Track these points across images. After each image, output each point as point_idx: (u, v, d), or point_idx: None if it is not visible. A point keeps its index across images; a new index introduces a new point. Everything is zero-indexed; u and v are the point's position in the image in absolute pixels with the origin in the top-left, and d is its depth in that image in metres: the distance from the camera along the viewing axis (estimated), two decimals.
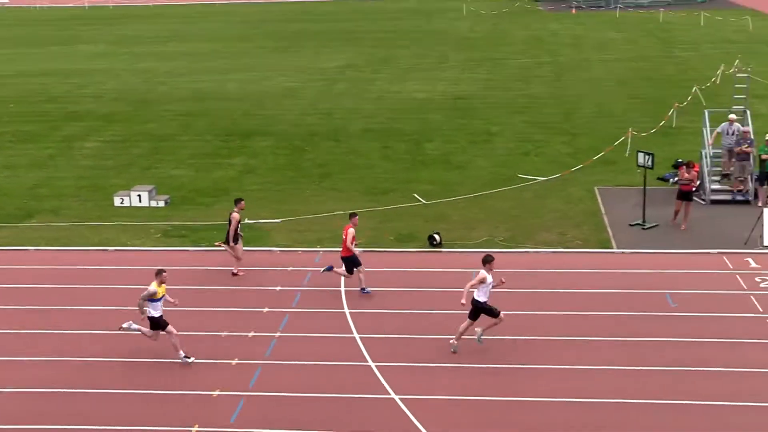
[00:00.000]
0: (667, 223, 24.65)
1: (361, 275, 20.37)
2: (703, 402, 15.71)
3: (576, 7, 78.91)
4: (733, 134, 26.92)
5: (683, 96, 38.24)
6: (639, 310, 19.42)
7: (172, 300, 17.59)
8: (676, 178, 25.09)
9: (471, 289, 17.17)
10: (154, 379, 16.86)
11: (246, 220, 25.41)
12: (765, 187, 25.88)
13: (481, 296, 17.19)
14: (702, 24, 66.27)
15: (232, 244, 21.36)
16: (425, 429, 15.01)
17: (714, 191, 26.82)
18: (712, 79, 41.76)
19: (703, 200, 26.58)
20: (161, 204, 27.16)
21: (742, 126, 26.95)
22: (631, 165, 27.98)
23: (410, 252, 23.28)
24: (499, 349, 17.79)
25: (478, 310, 17.31)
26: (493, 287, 17.29)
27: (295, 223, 25.39)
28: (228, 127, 37.34)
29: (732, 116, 27.28)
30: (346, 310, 19.71)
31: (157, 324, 17.05)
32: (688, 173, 24.33)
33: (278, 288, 20.93)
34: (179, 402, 16.07)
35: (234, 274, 21.74)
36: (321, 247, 23.38)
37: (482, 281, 17.07)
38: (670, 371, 16.82)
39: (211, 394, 16.25)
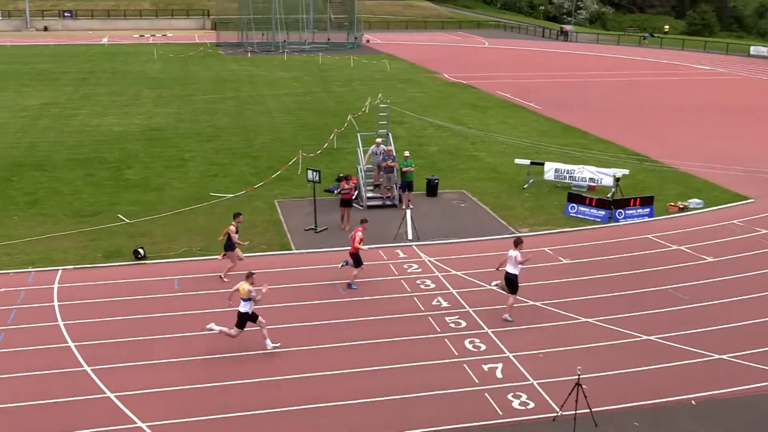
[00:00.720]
0: (335, 226, 25.44)
1: (354, 272, 20.51)
2: (383, 366, 16.46)
3: (251, 52, 79.24)
4: (380, 154, 28.37)
5: (341, 123, 39.74)
6: (315, 299, 19.87)
7: (260, 298, 17.02)
8: (339, 189, 25.95)
9: (516, 264, 18.32)
10: None
11: None
12: (407, 193, 27.45)
13: (514, 270, 18.30)
14: (352, 65, 69.13)
15: (228, 252, 20.87)
16: (139, 420, 14.38)
17: (369, 198, 28.06)
18: (362, 109, 43.75)
19: (362, 206, 27.72)
20: None
21: (386, 146, 28.45)
22: (303, 180, 28.61)
23: (118, 266, 22.15)
24: (199, 343, 17.46)
25: (511, 282, 18.39)
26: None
27: (6, 248, 23.23)
28: None
29: (378, 139, 28.74)
30: (60, 323, 18.34)
31: (248, 319, 16.75)
32: (348, 185, 25.30)
33: None
34: None
35: (221, 278, 20.95)
36: (33, 268, 21.59)
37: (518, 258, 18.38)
38: (349, 346, 17.38)
39: None
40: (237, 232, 21.01)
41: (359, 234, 20.51)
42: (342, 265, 20.76)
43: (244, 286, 16.73)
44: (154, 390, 15.48)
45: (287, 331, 18.02)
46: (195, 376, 16.07)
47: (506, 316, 18.69)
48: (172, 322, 18.52)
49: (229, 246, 20.89)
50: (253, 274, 17.15)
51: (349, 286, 20.59)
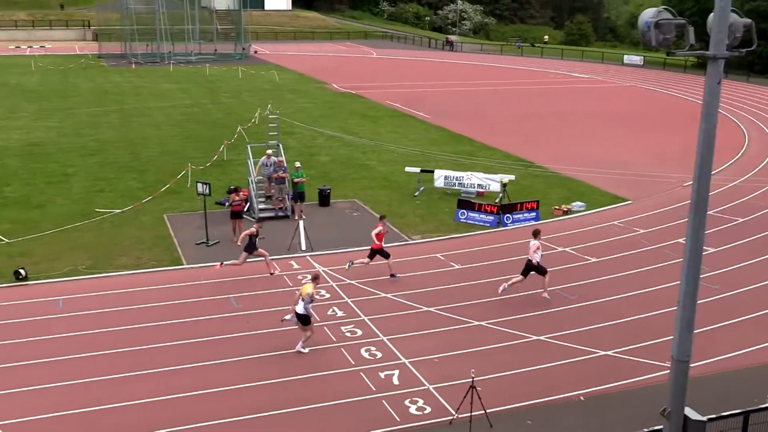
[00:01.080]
0: (226, 239, 24.97)
1: (390, 263, 21.84)
2: (279, 379, 16.25)
3: (135, 63, 77.14)
4: (271, 165, 28.11)
5: (230, 135, 39.17)
6: (211, 313, 19.45)
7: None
8: (230, 202, 25.55)
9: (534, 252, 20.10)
10: None
11: None
12: (299, 203, 27.33)
13: (537, 258, 20.03)
14: (240, 76, 68.29)
15: (247, 252, 21.74)
16: None
17: (261, 210, 27.75)
18: (252, 120, 43.26)
19: (254, 218, 27.39)
20: None
21: (277, 157, 28.24)
22: (193, 194, 28.04)
23: None
24: (86, 366, 16.80)
25: (529, 269, 20.15)
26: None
27: None
28: None
29: (269, 151, 28.45)
30: None
31: (306, 319, 17.23)
32: (238, 196, 24.97)
33: None
34: None
35: (271, 274, 22.03)
36: None
37: (538, 248, 20.12)
38: (243, 360, 17.08)
39: None
40: (257, 236, 21.93)
41: (379, 228, 21.61)
42: (348, 266, 21.77)
43: (307, 287, 17.23)
44: (40, 416, 14.77)
45: (175, 348, 17.57)
46: (82, 399, 15.43)
47: (545, 295, 20.64)
48: (57, 344, 17.73)
49: (250, 246, 21.74)
50: (319, 276, 18.01)
51: (393, 275, 21.82)
